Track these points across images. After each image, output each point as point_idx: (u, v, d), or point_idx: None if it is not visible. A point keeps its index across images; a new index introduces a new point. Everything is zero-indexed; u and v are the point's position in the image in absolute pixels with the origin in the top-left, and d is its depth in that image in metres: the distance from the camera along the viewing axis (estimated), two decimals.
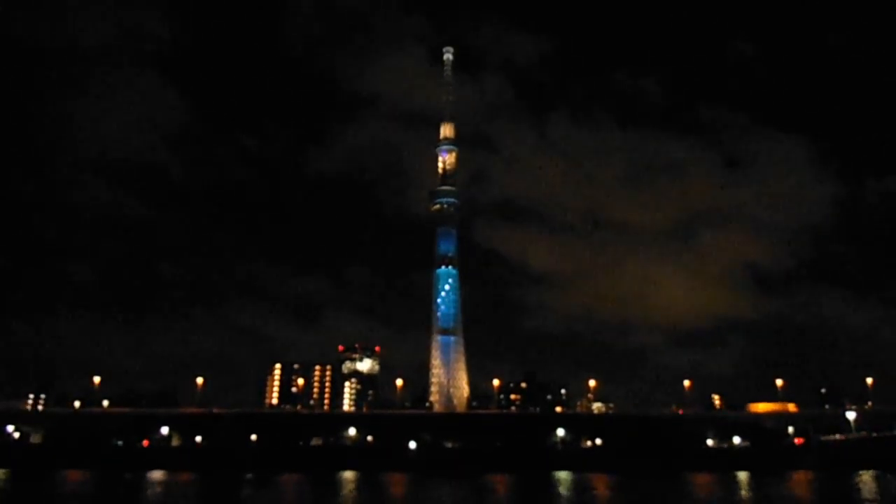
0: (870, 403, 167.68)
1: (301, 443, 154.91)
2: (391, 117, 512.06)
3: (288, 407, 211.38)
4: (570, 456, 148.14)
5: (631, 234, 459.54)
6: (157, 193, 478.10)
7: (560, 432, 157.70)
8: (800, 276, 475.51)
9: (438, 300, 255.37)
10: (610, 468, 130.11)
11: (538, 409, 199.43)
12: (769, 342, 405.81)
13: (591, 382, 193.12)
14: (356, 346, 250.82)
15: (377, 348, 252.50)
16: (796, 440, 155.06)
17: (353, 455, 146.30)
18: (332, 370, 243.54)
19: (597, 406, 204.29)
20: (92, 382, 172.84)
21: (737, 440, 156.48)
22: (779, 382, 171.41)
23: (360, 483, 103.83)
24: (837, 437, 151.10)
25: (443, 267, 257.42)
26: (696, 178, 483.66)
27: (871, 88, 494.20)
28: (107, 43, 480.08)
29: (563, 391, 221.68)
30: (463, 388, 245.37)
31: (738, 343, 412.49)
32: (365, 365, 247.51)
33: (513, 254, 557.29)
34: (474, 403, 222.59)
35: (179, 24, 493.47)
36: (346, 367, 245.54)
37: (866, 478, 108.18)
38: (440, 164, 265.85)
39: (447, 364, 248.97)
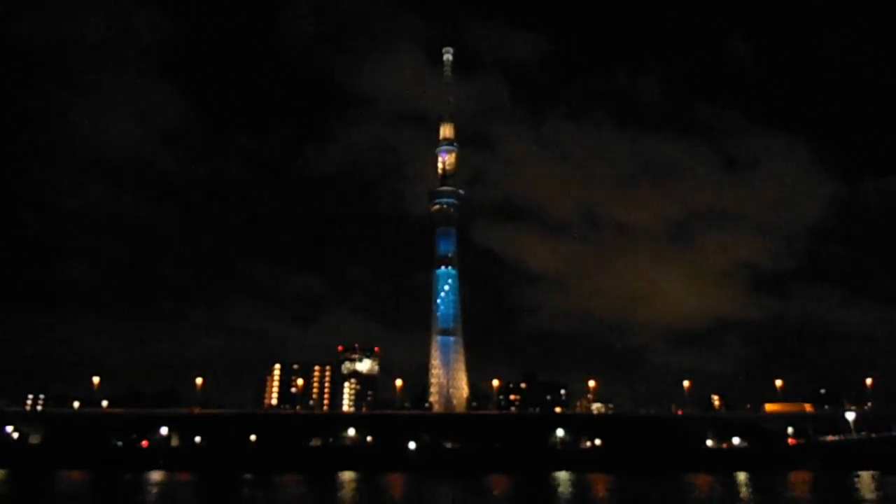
0: (869, 404, 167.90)
1: (300, 443, 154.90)
2: (389, 117, 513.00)
3: (287, 407, 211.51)
4: (569, 456, 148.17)
5: (629, 234, 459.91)
6: (155, 192, 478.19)
7: (559, 433, 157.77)
8: (797, 276, 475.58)
9: (438, 300, 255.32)
10: (609, 468, 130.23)
11: (538, 409, 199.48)
12: (767, 342, 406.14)
13: (591, 383, 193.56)
14: (356, 346, 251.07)
15: (377, 349, 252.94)
16: (790, 440, 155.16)
17: (352, 455, 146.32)
18: (332, 370, 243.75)
19: (596, 406, 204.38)
20: (91, 383, 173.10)
21: (736, 441, 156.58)
22: (778, 383, 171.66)
23: (360, 483, 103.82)
24: (836, 437, 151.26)
25: (442, 267, 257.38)
26: (694, 178, 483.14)
27: (868, 88, 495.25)
28: (105, 42, 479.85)
29: (562, 391, 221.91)
30: (462, 389, 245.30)
31: (736, 343, 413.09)
32: (364, 365, 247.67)
33: (511, 254, 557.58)
34: (474, 404, 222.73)
35: (178, 23, 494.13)
36: (346, 367, 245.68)
37: (865, 478, 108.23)
38: (440, 165, 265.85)
39: (447, 364, 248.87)
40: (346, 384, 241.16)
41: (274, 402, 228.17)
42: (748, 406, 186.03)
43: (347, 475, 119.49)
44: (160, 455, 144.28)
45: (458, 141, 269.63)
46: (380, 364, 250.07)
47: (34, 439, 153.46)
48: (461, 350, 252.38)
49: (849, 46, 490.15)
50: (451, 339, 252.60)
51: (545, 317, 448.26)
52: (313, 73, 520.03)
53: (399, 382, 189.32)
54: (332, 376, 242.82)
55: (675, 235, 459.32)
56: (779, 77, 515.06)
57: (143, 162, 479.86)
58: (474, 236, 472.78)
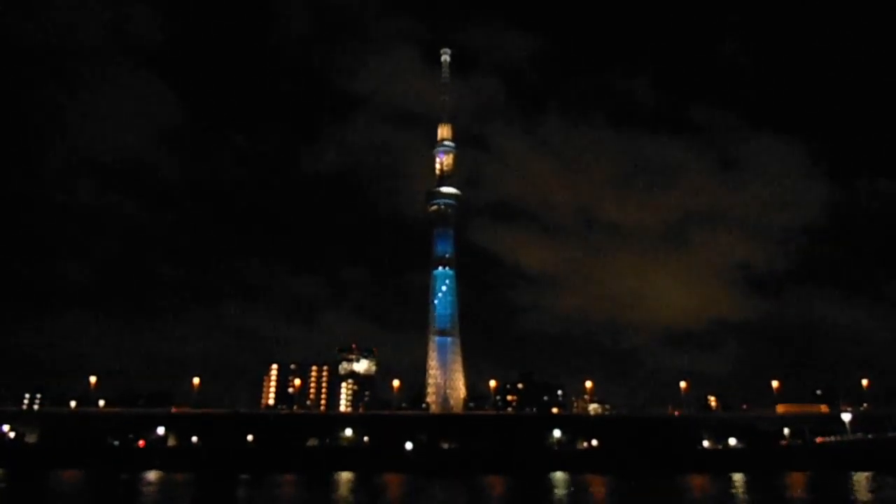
0: (865, 405, 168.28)
1: (297, 443, 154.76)
2: (384, 117, 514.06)
3: (284, 407, 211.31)
4: (566, 457, 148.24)
5: (624, 235, 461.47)
6: (151, 192, 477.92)
7: (556, 433, 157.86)
8: (793, 277, 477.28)
9: (435, 301, 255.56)
10: (606, 469, 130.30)
11: (535, 409, 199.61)
12: (762, 343, 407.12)
13: (588, 384, 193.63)
14: (353, 346, 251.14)
15: (374, 349, 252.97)
16: (782, 442, 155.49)
17: (349, 456, 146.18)
18: (329, 371, 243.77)
19: (593, 407, 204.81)
20: (88, 382, 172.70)
21: (733, 441, 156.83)
22: (775, 384, 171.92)
23: (357, 484, 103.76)
24: (833, 438, 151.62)
25: (440, 268, 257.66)
26: (690, 179, 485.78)
27: (862, 89, 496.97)
28: (100, 42, 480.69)
29: (559, 392, 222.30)
30: (459, 389, 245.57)
31: (732, 344, 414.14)
32: (361, 366, 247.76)
33: (506, 254, 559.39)
34: (471, 404, 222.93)
35: (173, 23, 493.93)
36: (343, 367, 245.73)
37: (861, 479, 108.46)
38: (438, 165, 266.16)
39: (444, 365, 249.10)
40: (344, 384, 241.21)
41: (271, 402, 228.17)
42: (744, 407, 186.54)
43: (344, 475, 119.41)
44: (157, 455, 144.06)
45: (455, 142, 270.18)
46: (377, 364, 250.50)
47: (31, 438, 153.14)
48: (458, 350, 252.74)
49: (844, 48, 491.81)
50: (449, 339, 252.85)
51: (542, 317, 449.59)
52: (309, 73, 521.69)
53: (396, 383, 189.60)
54: (329, 377, 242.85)
55: (671, 236, 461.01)
56: (774, 78, 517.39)
57: (139, 161, 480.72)
58: (470, 237, 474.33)
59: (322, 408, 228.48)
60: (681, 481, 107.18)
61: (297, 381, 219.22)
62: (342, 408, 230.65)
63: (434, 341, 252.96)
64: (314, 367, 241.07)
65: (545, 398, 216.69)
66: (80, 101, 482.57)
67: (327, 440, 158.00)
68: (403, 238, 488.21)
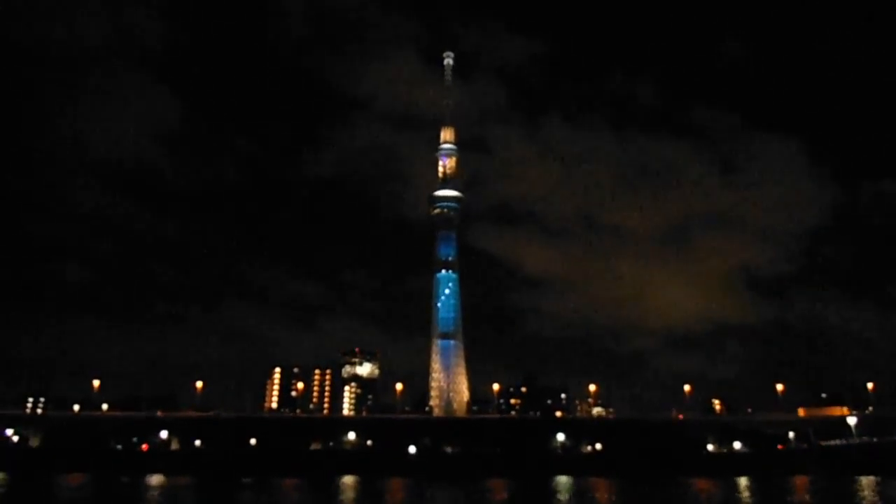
0: (870, 408, 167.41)
1: (301, 447, 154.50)
2: (386, 120, 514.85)
3: (287, 411, 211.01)
4: (570, 461, 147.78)
5: (626, 238, 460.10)
6: (153, 195, 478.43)
7: (560, 437, 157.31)
8: (797, 280, 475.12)
9: (438, 304, 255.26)
10: (610, 473, 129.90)
11: (538, 413, 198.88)
12: (767, 346, 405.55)
13: (591, 387, 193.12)
14: (356, 350, 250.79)
15: (377, 352, 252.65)
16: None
17: (352, 459, 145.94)
18: (332, 374, 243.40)
19: (597, 410, 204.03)
20: (91, 386, 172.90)
21: (737, 445, 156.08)
22: (779, 387, 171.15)
23: (360, 488, 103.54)
24: (838, 441, 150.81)
25: (443, 271, 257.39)
26: (692, 182, 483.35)
27: (864, 90, 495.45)
28: (101, 44, 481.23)
29: (562, 396, 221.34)
30: (463, 393, 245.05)
31: (736, 347, 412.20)
32: (365, 369, 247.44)
33: (509, 257, 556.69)
34: (474, 408, 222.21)
35: (174, 26, 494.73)
36: (346, 371, 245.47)
37: (867, 483, 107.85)
38: (440, 168, 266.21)
39: (447, 368, 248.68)
40: (347, 388, 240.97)
41: (274, 405, 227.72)
42: (749, 410, 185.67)
43: (348, 479, 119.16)
44: (160, 459, 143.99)
45: (457, 144, 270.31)
46: (380, 368, 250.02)
47: (34, 442, 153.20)
48: (461, 354, 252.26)
49: (846, 48, 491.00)
50: (452, 342, 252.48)
51: (544, 320, 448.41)
52: (310, 76, 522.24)
53: (399, 386, 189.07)
54: (332, 380, 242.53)
55: (673, 239, 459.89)
56: (775, 79, 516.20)
57: (140, 165, 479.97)
58: (472, 240, 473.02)
59: (325, 411, 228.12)
60: (685, 485, 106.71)
61: (300, 385, 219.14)
62: (345, 411, 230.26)
63: (437, 345, 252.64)
64: (317, 371, 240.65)
65: (549, 402, 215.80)
66: (81, 105, 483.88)
67: (330, 444, 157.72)
68: (405, 241, 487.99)
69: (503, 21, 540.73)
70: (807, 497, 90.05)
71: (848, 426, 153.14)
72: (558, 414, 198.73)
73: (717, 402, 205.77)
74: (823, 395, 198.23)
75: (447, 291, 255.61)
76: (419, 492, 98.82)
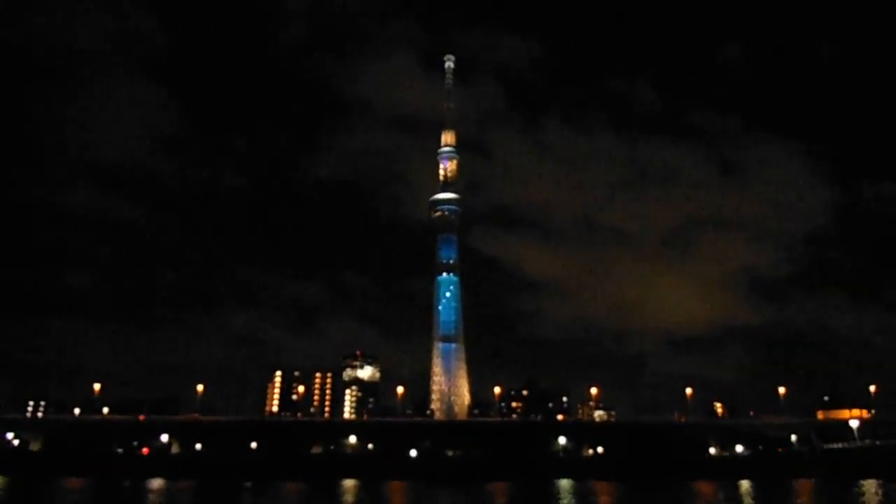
0: (872, 411, 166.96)
1: (301, 451, 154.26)
2: (384, 122, 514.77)
3: (288, 414, 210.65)
4: (571, 464, 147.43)
5: (627, 240, 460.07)
6: (153, 198, 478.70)
7: (562, 440, 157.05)
8: (797, 282, 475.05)
9: (439, 307, 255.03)
10: (612, 476, 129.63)
11: (539, 416, 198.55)
12: (768, 349, 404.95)
13: (593, 390, 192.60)
14: (357, 353, 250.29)
15: (378, 355, 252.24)
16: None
17: (353, 463, 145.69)
18: (333, 377, 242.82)
19: (598, 413, 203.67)
20: (92, 389, 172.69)
21: (739, 448, 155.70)
22: (781, 390, 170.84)
23: (361, 491, 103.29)
24: (840, 444, 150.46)
25: (444, 274, 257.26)
26: (691, 184, 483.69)
27: (864, 91, 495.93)
28: (101, 47, 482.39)
29: (564, 399, 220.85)
30: (464, 396, 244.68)
31: (737, 350, 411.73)
32: (366, 372, 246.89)
33: (508, 260, 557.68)
34: (475, 411, 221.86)
35: (173, 29, 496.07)
36: (347, 374, 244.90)
37: (870, 486, 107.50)
38: (441, 172, 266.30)
39: (448, 371, 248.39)
40: (348, 391, 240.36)
41: (275, 409, 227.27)
42: (752, 413, 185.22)
43: (349, 483, 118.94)
44: (161, 462, 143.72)
45: (457, 147, 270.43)
46: (381, 371, 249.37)
47: (34, 446, 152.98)
48: (463, 357, 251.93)
49: (844, 50, 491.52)
50: (453, 345, 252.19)
51: (545, 323, 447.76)
52: (308, 78, 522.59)
53: (400, 390, 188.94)
54: (333, 383, 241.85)
55: (673, 241, 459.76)
56: (775, 81, 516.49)
57: (139, 167, 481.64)
58: (471, 242, 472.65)
59: (326, 415, 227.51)
60: (687, 488, 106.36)
61: (301, 388, 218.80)
62: (346, 415, 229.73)
63: (438, 348, 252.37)
64: (318, 374, 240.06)
65: (550, 405, 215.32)
66: (81, 108, 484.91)
67: (331, 447, 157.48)
68: (406, 244, 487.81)
69: (502, 23, 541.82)
70: (808, 500, 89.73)
71: (850, 429, 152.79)
72: (559, 417, 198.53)
73: (718, 404, 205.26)
74: (826, 398, 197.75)
75: (448, 294, 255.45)
76: (420, 495, 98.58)
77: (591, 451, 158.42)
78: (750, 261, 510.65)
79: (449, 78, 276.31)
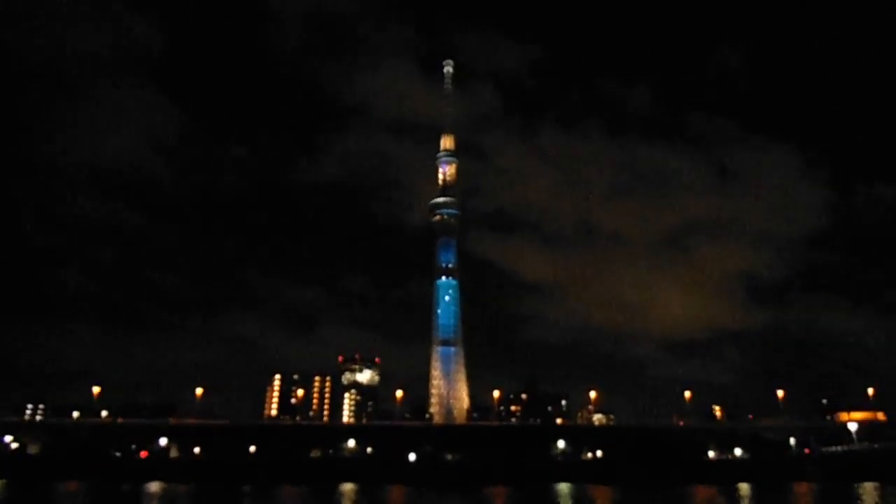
0: (879, 414, 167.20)
1: (300, 455, 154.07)
2: (383, 127, 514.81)
3: (287, 418, 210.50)
4: (570, 468, 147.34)
5: (624, 244, 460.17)
6: (151, 202, 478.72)
7: (561, 444, 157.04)
8: (794, 285, 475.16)
9: (438, 311, 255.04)
10: (611, 480, 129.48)
11: (539, 420, 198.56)
12: (765, 352, 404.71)
13: (592, 394, 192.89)
14: (356, 356, 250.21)
15: (377, 359, 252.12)
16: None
17: (352, 467, 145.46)
18: (332, 381, 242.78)
19: (597, 417, 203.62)
20: (90, 393, 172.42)
21: (738, 452, 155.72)
22: (780, 393, 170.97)
23: (360, 495, 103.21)
24: (839, 448, 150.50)
25: (443, 278, 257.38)
26: (688, 188, 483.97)
27: (860, 94, 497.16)
28: (99, 53, 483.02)
29: (563, 402, 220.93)
30: (463, 400, 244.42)
31: (735, 353, 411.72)
32: (365, 376, 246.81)
33: (506, 264, 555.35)
34: (474, 415, 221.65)
35: (172, 34, 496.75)
36: (346, 378, 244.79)
37: (868, 489, 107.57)
38: (440, 176, 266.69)
39: (447, 375, 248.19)
40: (347, 395, 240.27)
41: (274, 413, 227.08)
42: (750, 417, 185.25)
43: (348, 487, 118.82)
44: (159, 466, 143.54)
45: (455, 152, 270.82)
46: (380, 375, 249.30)
47: (33, 449, 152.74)
48: (462, 361, 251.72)
49: (841, 54, 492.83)
50: (452, 349, 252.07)
51: (544, 327, 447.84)
52: (308, 84, 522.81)
53: (399, 393, 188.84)
54: (332, 387, 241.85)
55: (671, 245, 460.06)
56: (771, 85, 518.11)
57: (138, 172, 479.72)
58: (470, 246, 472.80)
59: (325, 419, 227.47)
60: (686, 492, 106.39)
61: (300, 392, 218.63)
62: (345, 419, 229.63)
63: (437, 351, 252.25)
64: (317, 378, 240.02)
65: (549, 409, 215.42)
66: (80, 112, 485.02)
67: (330, 451, 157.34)
68: (404, 247, 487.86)
69: (499, 28, 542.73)
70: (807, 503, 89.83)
71: (849, 432, 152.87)
72: (558, 421, 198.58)
73: (717, 408, 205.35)
74: (824, 401, 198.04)
75: (447, 298, 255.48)
76: (419, 500, 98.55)
77: (590, 455, 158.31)
78: (747, 264, 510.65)
79: (448, 83, 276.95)
